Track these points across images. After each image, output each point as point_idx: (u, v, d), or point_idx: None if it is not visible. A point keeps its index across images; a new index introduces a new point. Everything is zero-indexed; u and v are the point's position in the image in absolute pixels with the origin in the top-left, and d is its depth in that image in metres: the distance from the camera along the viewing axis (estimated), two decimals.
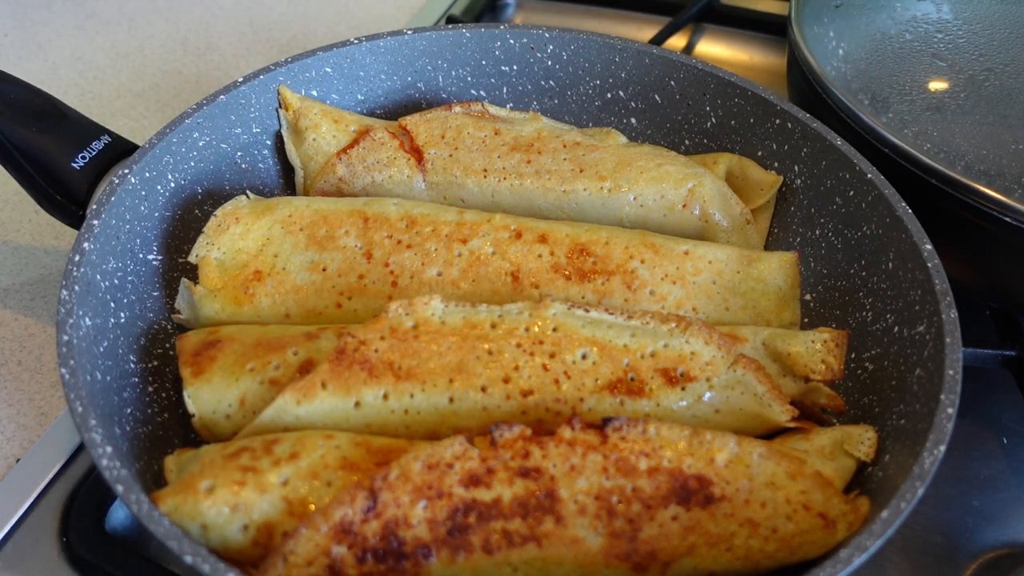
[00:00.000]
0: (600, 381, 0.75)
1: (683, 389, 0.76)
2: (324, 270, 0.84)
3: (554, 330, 0.76)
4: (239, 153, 0.96)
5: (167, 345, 0.83)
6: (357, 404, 0.73)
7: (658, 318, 0.78)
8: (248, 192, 0.91)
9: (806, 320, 0.91)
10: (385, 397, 0.73)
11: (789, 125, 0.94)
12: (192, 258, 0.85)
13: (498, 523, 0.64)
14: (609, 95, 1.05)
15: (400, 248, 0.85)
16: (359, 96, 1.03)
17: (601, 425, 0.69)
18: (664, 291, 0.85)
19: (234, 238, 0.86)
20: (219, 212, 0.87)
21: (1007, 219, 0.84)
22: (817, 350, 0.80)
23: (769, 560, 0.66)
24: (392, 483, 0.65)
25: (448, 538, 0.64)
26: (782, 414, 0.77)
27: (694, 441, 0.69)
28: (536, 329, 0.76)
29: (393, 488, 0.65)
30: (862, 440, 0.74)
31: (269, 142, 0.99)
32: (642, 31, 1.41)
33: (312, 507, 0.65)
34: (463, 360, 0.74)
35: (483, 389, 0.74)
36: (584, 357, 0.76)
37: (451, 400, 0.74)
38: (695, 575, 0.66)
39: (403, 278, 0.84)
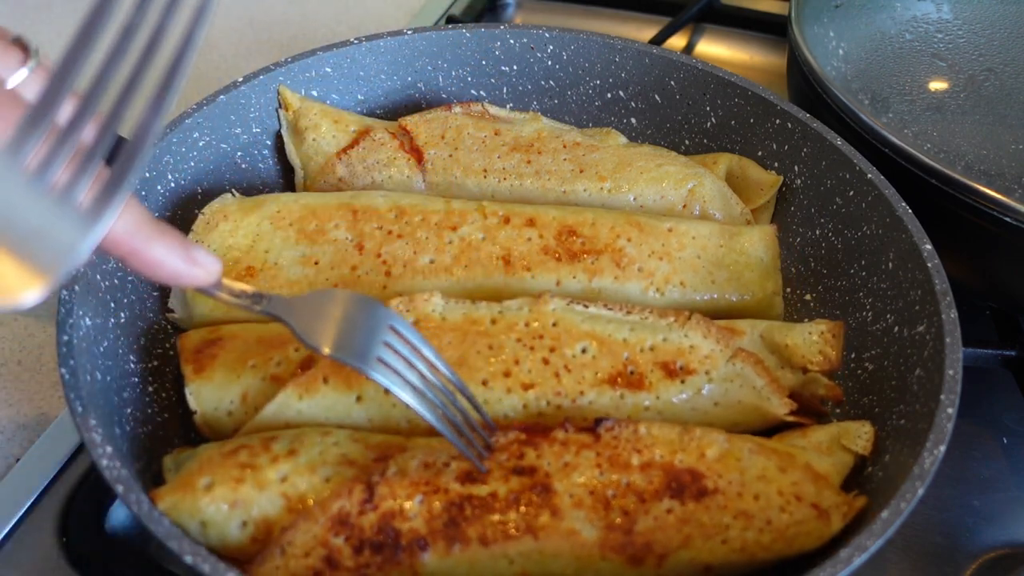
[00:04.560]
0: (600, 375, 0.75)
1: (683, 382, 0.76)
2: (316, 263, 0.85)
3: (554, 325, 0.77)
4: (239, 153, 0.96)
5: (167, 345, 0.83)
6: (359, 398, 0.74)
7: (657, 312, 0.78)
8: (234, 191, 0.91)
9: (806, 320, 0.91)
10: (387, 391, 0.73)
11: (789, 125, 0.94)
12: None
13: (494, 516, 0.65)
14: (609, 95, 1.05)
15: (391, 238, 0.85)
16: (359, 96, 1.03)
17: (593, 427, 0.69)
18: (652, 267, 0.86)
19: (223, 235, 0.86)
20: (206, 210, 0.87)
21: (1007, 219, 0.84)
22: (814, 341, 0.80)
23: (766, 552, 0.66)
24: (389, 479, 0.65)
25: (444, 530, 0.64)
26: (780, 407, 0.77)
27: (684, 437, 0.70)
28: (536, 324, 0.77)
29: (390, 483, 0.65)
30: (859, 435, 0.74)
31: (269, 142, 0.99)
32: (642, 31, 1.41)
33: (311, 503, 0.65)
34: (464, 355, 0.74)
35: (484, 383, 0.74)
36: (584, 351, 0.76)
37: None
38: (692, 568, 0.66)
39: (396, 267, 0.84)
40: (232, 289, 0.65)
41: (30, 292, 0.47)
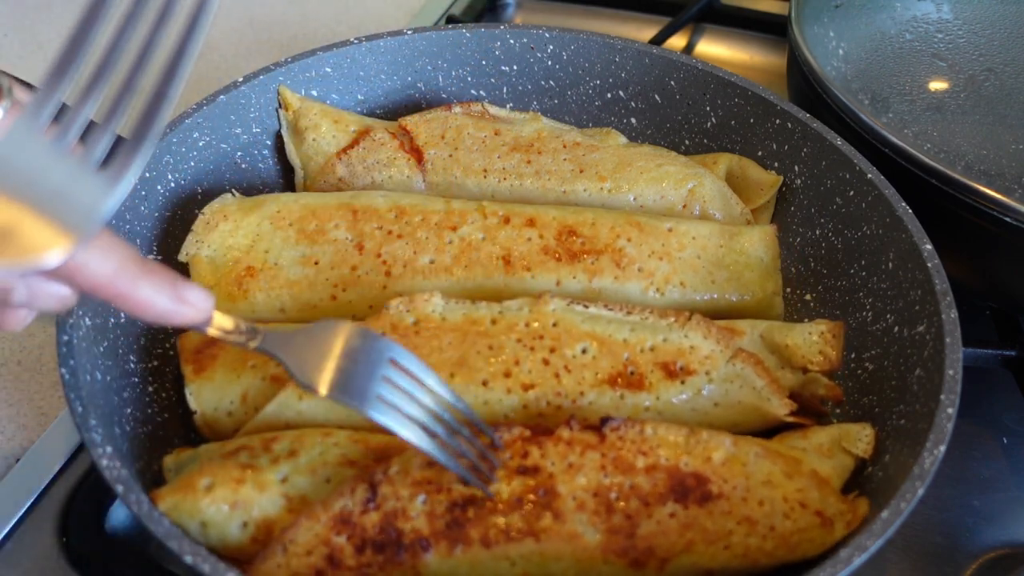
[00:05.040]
0: (600, 375, 0.75)
1: (683, 383, 0.76)
2: (316, 263, 0.85)
3: (554, 325, 0.77)
4: (239, 153, 0.96)
5: (167, 345, 0.83)
6: None
7: (657, 312, 0.78)
8: (234, 191, 0.91)
9: (806, 320, 0.91)
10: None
11: (789, 125, 0.94)
12: (182, 257, 0.84)
13: (496, 517, 0.65)
14: (609, 95, 1.05)
15: (391, 238, 0.85)
16: (359, 96, 1.03)
17: (599, 425, 0.69)
18: (652, 267, 0.86)
19: (223, 235, 0.86)
20: (206, 210, 0.87)
21: (1007, 219, 0.84)
22: (815, 341, 0.80)
23: (768, 558, 0.66)
24: (392, 477, 0.65)
25: (446, 531, 0.64)
26: (780, 407, 0.77)
27: (691, 440, 0.70)
28: (536, 324, 0.77)
29: (393, 482, 0.65)
30: (860, 437, 0.74)
31: (269, 142, 0.99)
32: (642, 31, 1.41)
33: (311, 503, 0.65)
34: (464, 355, 0.74)
35: (484, 383, 0.74)
36: (584, 351, 0.76)
37: None
38: (693, 572, 0.66)
39: (396, 267, 0.84)
40: (224, 326, 0.63)
41: (55, 251, 0.47)
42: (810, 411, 0.80)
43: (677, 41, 1.42)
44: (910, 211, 0.83)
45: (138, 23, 0.49)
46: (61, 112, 0.50)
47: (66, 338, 0.69)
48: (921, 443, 0.67)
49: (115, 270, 0.52)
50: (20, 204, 0.47)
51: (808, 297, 0.92)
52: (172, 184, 0.89)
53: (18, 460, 0.84)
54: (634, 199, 0.94)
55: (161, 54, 0.50)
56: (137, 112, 0.50)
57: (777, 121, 0.95)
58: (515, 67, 1.05)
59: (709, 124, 1.02)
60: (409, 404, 0.63)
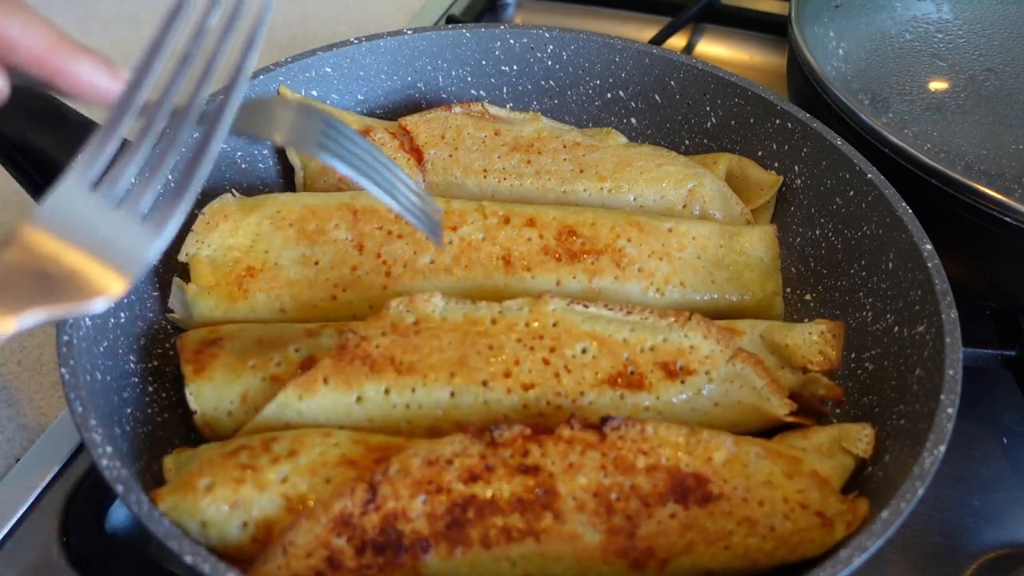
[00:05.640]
0: (600, 375, 0.75)
1: (683, 382, 0.76)
2: (316, 263, 0.85)
3: (554, 325, 0.77)
4: (239, 153, 0.96)
5: (167, 345, 0.83)
6: (359, 399, 0.74)
7: (657, 312, 0.78)
8: (234, 191, 0.91)
9: (806, 320, 0.91)
10: (387, 392, 0.73)
11: (789, 125, 0.94)
12: (182, 257, 0.84)
13: (497, 518, 0.65)
14: (609, 95, 1.06)
15: (391, 238, 0.85)
16: (359, 96, 1.03)
17: (599, 424, 0.69)
18: (652, 267, 0.86)
19: (224, 235, 0.86)
20: (206, 210, 0.87)
21: (1007, 219, 0.84)
22: (815, 341, 0.80)
23: (767, 559, 0.66)
24: (392, 477, 0.65)
25: (447, 532, 0.64)
26: (780, 407, 0.77)
27: (691, 440, 0.70)
28: (536, 324, 0.77)
29: (392, 482, 0.65)
30: (860, 437, 0.74)
31: (269, 142, 0.99)
32: (642, 31, 1.41)
33: (311, 504, 0.65)
34: (464, 355, 0.74)
35: (484, 383, 0.74)
36: (584, 351, 0.76)
37: (452, 394, 0.74)
38: (693, 573, 0.66)
39: (396, 267, 0.84)
40: None
41: (111, 291, 0.52)
42: (810, 411, 0.80)
43: (677, 41, 1.42)
44: (910, 211, 0.83)
45: (180, 81, 0.55)
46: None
47: (66, 338, 0.69)
48: (921, 443, 0.67)
49: (49, 43, 0.53)
50: (80, 251, 0.52)
51: (808, 297, 0.92)
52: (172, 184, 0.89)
53: (18, 460, 0.84)
54: (634, 199, 0.94)
55: (199, 111, 0.55)
56: (181, 162, 0.55)
57: (777, 121, 0.95)
58: (515, 67, 1.05)
59: (709, 124, 1.02)
60: (357, 157, 0.67)
